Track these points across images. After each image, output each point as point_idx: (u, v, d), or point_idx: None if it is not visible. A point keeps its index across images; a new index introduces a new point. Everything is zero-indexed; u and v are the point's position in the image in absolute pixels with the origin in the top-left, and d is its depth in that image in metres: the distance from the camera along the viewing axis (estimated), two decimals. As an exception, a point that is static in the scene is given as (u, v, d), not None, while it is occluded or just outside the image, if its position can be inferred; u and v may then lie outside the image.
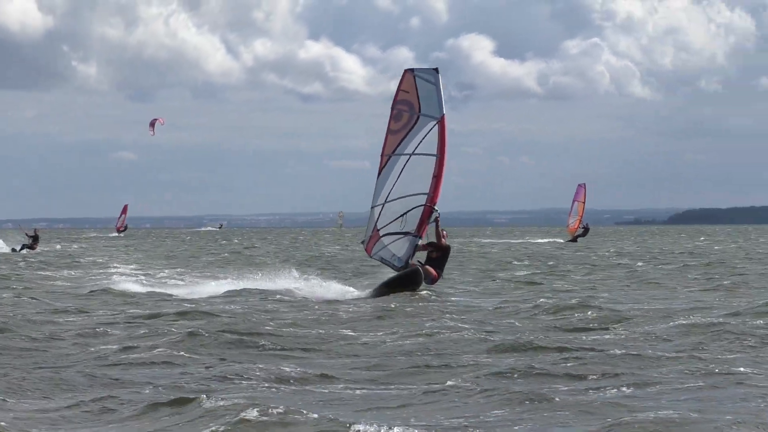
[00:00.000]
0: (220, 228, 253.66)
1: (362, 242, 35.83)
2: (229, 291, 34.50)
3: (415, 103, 34.07)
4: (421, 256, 34.00)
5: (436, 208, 33.21)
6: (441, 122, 33.44)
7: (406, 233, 33.37)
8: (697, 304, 30.33)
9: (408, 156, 34.01)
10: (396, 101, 34.69)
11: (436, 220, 33.11)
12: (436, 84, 33.89)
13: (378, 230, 34.45)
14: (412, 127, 33.89)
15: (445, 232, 33.67)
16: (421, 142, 33.66)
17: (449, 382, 16.93)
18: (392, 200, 34.12)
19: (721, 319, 25.25)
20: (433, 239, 33.58)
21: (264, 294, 33.35)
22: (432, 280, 33.09)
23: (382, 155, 34.91)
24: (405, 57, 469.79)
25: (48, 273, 51.74)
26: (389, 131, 34.71)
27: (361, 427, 13.25)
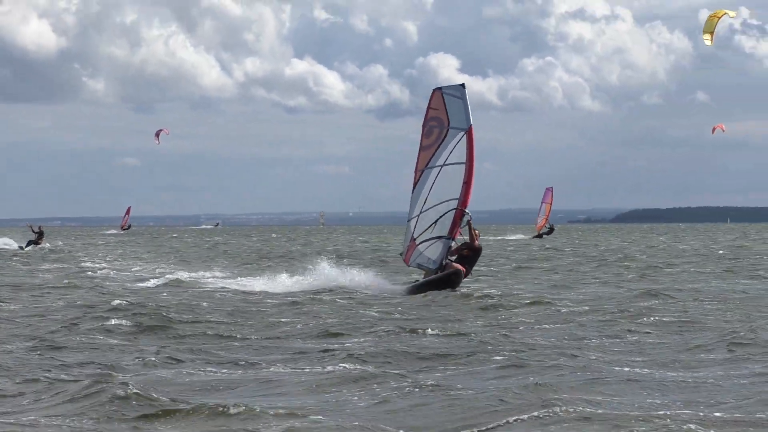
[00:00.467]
0: (216, 226, 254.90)
1: (400, 254, 34.43)
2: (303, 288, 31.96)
3: (444, 118, 32.60)
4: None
5: (467, 211, 31.40)
6: (469, 132, 31.78)
7: (439, 237, 31.58)
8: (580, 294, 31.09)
9: (439, 168, 32.43)
10: (427, 119, 33.31)
11: (469, 223, 31.41)
12: (463, 98, 32.31)
13: (414, 240, 32.74)
14: (443, 141, 32.43)
15: (477, 232, 31.93)
16: (451, 153, 32.05)
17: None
18: (426, 210, 32.35)
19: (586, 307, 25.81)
20: (467, 240, 31.93)
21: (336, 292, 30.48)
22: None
23: (415, 171, 33.39)
24: (380, 73, 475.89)
25: (30, 267, 51.00)
26: (421, 148, 33.31)
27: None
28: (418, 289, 30.69)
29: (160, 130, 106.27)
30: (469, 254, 31.31)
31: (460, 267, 30.93)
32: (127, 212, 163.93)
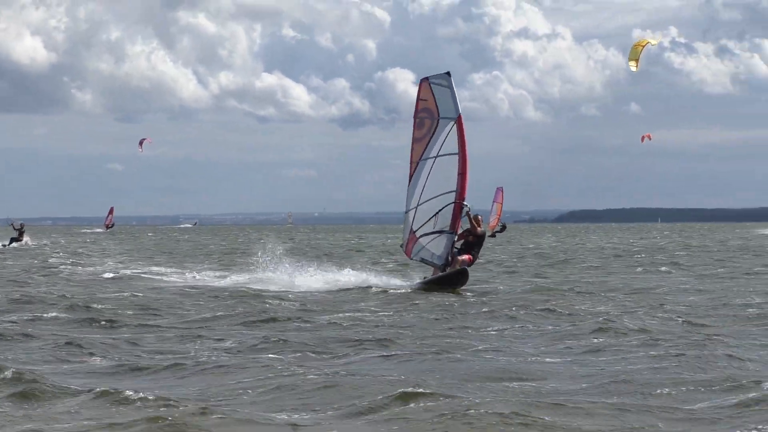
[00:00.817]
0: (194, 225, 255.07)
1: (401, 246, 31.93)
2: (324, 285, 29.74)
3: (434, 109, 30.09)
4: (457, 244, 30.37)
5: (465, 203, 28.99)
6: (458, 121, 29.35)
7: (440, 231, 29.28)
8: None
9: (433, 159, 29.98)
10: (417, 111, 30.69)
11: (467, 214, 29.09)
12: (450, 86, 29.88)
13: (414, 232, 30.37)
14: (434, 132, 29.91)
15: (480, 217, 29.68)
16: (443, 143, 29.59)
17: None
18: (424, 202, 30.08)
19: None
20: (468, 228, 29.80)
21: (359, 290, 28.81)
22: (468, 264, 29.22)
23: (410, 163, 30.87)
24: (342, 86, 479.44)
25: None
26: (414, 140, 30.78)
27: None
28: (426, 286, 29.10)
29: (144, 139, 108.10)
30: (474, 240, 29.25)
31: (466, 258, 28.99)
32: (111, 212, 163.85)
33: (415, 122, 30.61)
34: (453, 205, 29.00)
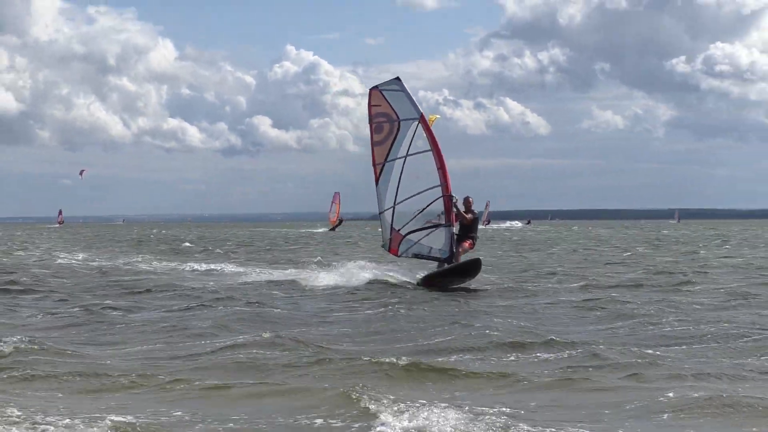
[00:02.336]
0: (122, 222, 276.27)
1: (382, 246, 27.22)
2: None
3: (390, 112, 26.51)
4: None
5: (453, 195, 25.26)
6: (422, 119, 25.96)
7: (435, 225, 25.48)
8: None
9: (403, 158, 26.24)
10: (372, 116, 26.89)
11: (455, 203, 25.30)
12: (403, 90, 26.41)
13: (398, 231, 26.30)
14: (397, 133, 26.37)
15: (471, 199, 25.57)
16: (411, 143, 26.09)
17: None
18: (402, 201, 26.24)
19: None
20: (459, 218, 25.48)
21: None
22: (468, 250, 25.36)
23: (374, 165, 26.78)
24: (222, 128, 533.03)
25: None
26: (374, 144, 26.73)
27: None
28: (437, 278, 24.72)
29: (83, 170, 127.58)
30: (470, 222, 25.29)
31: (467, 245, 25.37)
32: (60, 213, 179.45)
33: (371, 127, 26.94)
34: (442, 199, 25.47)
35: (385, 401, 9.58)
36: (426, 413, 9.13)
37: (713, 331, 14.72)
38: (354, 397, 9.78)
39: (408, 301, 20.27)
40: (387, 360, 11.85)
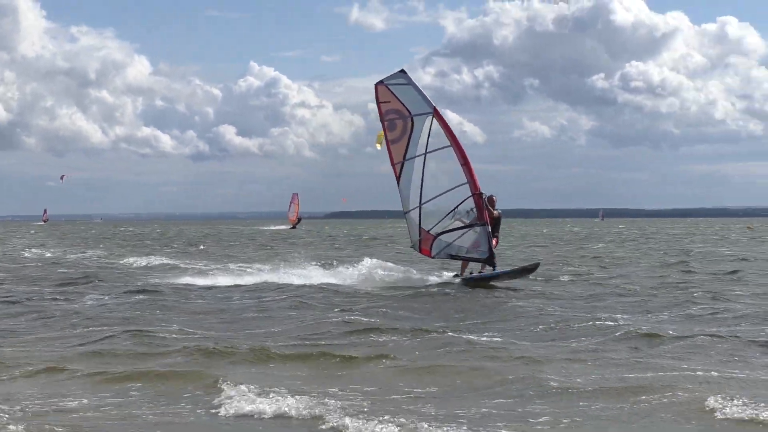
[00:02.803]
0: (101, 221, 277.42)
1: (412, 246, 24.74)
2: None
3: (401, 108, 24.17)
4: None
5: (482, 192, 23.22)
6: (436, 113, 23.65)
7: (470, 225, 23.34)
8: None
9: (422, 156, 23.89)
10: (382, 114, 24.37)
11: (485, 201, 23.29)
12: (411, 83, 24.10)
13: (428, 231, 23.98)
14: (412, 130, 24.03)
15: (495, 197, 23.61)
16: (428, 139, 23.81)
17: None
18: (429, 200, 24.00)
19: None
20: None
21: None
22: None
23: (393, 165, 24.32)
24: (192, 135, 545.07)
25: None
26: (390, 142, 24.30)
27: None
28: (498, 278, 23.04)
29: (63, 175, 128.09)
30: (493, 221, 23.36)
31: (493, 242, 23.37)
32: (45, 212, 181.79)
33: (384, 125, 24.45)
34: (471, 198, 23.36)
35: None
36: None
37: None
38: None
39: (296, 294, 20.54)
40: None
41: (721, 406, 8.86)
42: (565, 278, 24.75)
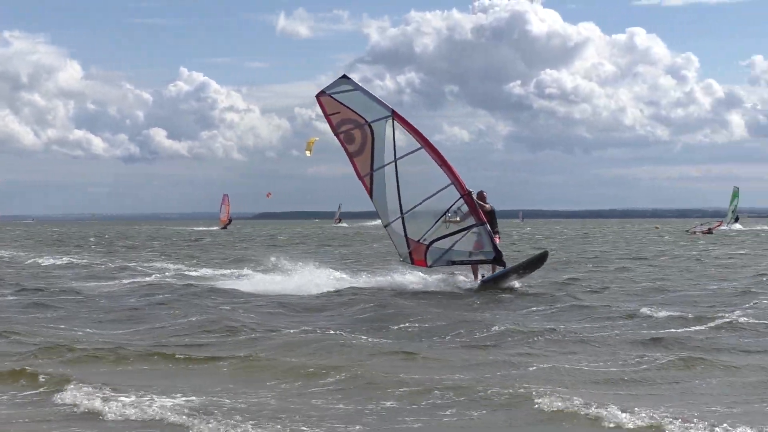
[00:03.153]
0: (32, 221, 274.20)
1: (402, 260, 22.17)
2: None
3: (354, 116, 21.52)
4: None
5: (470, 189, 21.09)
6: (395, 115, 21.25)
7: (466, 228, 21.22)
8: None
9: (393, 163, 21.45)
10: (334, 128, 21.73)
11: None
12: (358, 87, 21.59)
13: (418, 241, 21.67)
14: (373, 138, 21.46)
15: (485, 193, 21.63)
16: (395, 144, 21.37)
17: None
18: (412, 209, 21.66)
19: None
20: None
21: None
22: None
23: (360, 178, 21.79)
24: (123, 138, 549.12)
25: None
26: (350, 155, 21.69)
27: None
28: (510, 274, 21.08)
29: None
30: (488, 218, 21.30)
31: (495, 239, 21.29)
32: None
33: (340, 138, 21.70)
34: (461, 199, 21.26)
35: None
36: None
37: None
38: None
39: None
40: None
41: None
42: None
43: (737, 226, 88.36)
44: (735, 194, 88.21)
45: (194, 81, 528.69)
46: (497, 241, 21.10)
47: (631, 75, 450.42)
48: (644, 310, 16.01)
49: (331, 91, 21.41)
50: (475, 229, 21.02)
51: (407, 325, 14.92)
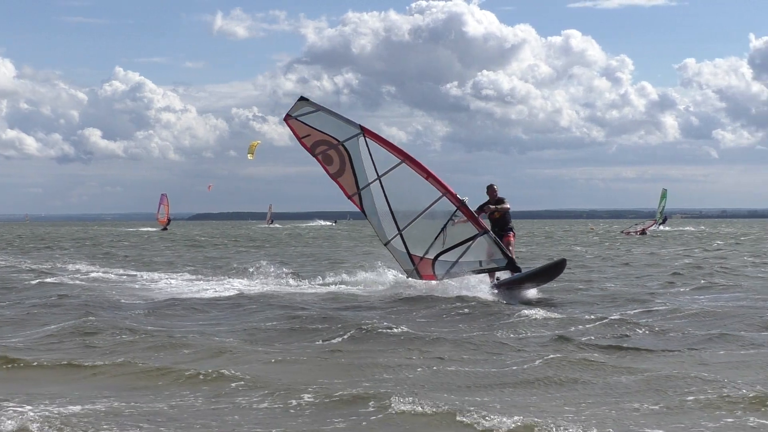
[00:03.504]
0: None
1: (408, 277, 21.33)
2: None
3: (325, 137, 21.07)
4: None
5: (463, 198, 19.99)
6: (365, 132, 20.62)
7: (471, 238, 20.16)
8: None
9: (377, 181, 20.90)
10: (310, 150, 21.28)
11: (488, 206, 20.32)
12: (320, 108, 20.94)
13: (422, 257, 20.94)
14: (350, 158, 21.00)
15: (496, 186, 20.58)
16: (373, 162, 20.81)
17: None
18: (408, 225, 20.98)
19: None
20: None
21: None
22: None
23: (349, 198, 21.37)
24: (57, 138, 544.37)
25: None
26: (333, 176, 21.33)
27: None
28: (524, 281, 19.61)
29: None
30: (500, 215, 20.47)
31: (511, 239, 20.54)
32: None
33: (320, 161, 21.34)
34: (456, 210, 20.33)
35: None
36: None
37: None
38: None
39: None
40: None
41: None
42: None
43: (663, 227, 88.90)
44: (663, 195, 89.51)
45: (130, 81, 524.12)
46: (512, 239, 20.26)
47: (567, 77, 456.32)
48: (534, 311, 15.80)
49: (296, 114, 20.83)
50: (479, 239, 19.91)
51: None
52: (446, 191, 19.87)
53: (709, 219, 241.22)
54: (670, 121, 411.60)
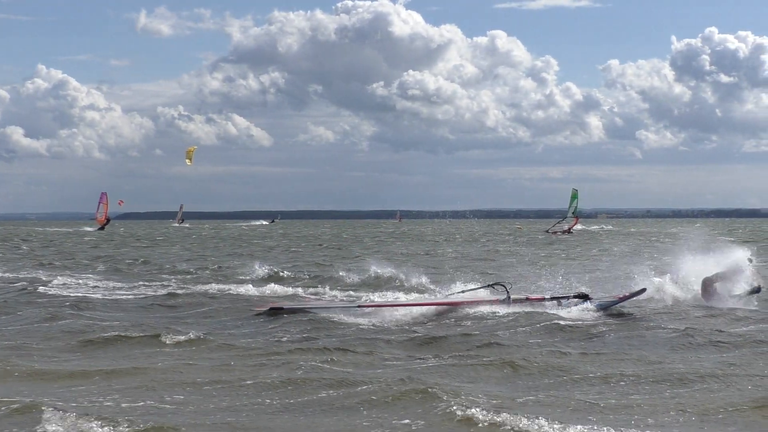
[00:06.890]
0: None
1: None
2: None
3: None
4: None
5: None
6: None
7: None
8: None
9: None
10: None
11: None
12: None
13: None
14: None
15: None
16: None
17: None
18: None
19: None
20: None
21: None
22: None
23: None
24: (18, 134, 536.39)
25: None
26: None
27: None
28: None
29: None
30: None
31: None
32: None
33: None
34: None
35: None
36: None
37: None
38: None
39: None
40: None
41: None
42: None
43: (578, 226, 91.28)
44: (574, 196, 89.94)
45: (53, 78, 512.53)
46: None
47: (493, 77, 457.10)
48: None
49: None
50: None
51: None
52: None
53: (634, 219, 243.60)
54: (594, 121, 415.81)
